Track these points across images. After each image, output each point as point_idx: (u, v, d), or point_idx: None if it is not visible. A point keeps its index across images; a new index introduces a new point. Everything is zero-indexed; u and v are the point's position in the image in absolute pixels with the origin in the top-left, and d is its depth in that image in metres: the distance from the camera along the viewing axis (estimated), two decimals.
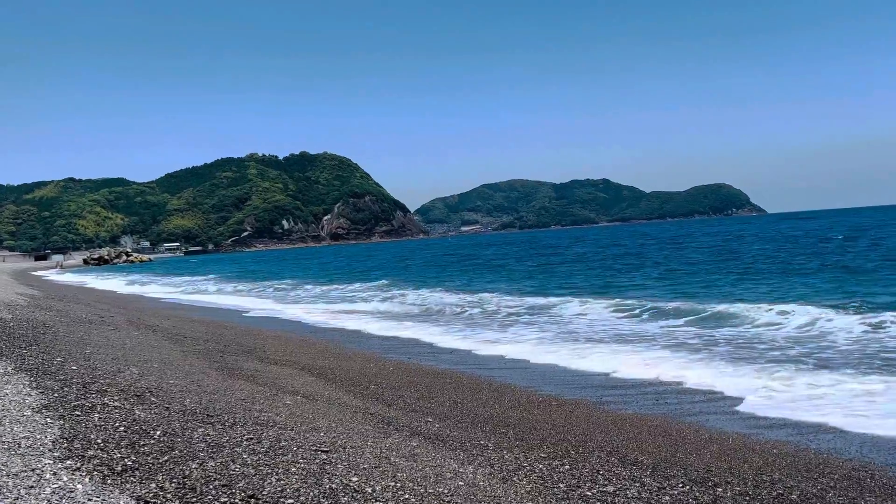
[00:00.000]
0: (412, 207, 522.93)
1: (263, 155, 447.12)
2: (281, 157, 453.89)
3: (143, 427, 7.48)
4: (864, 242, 60.58)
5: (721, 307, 24.49)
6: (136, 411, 8.23)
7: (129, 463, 6.21)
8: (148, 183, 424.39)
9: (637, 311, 25.52)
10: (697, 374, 14.62)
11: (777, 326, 20.50)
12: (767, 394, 12.63)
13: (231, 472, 6.28)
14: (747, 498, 7.40)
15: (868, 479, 8.16)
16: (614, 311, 26.22)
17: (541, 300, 31.01)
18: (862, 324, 19.34)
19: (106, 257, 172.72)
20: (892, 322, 19.03)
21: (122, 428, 7.32)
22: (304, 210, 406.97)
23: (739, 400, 12.34)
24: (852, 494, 7.63)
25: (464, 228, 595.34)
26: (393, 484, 6.70)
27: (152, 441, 6.97)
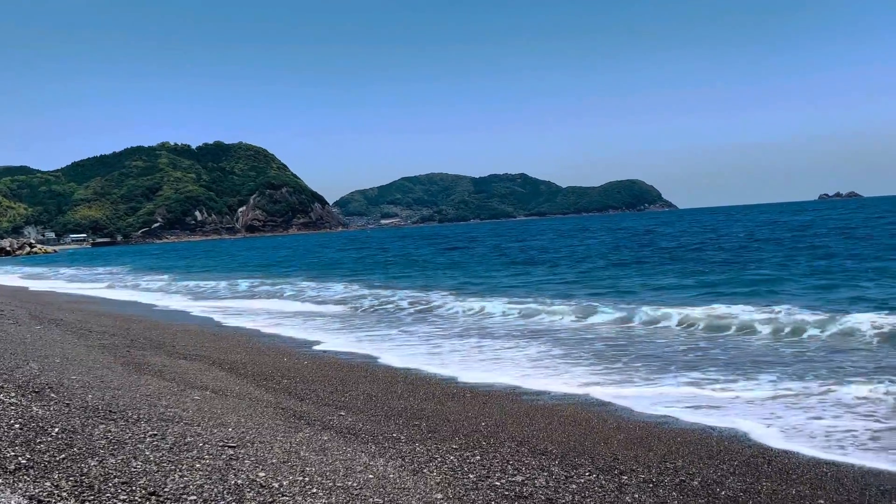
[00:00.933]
0: (331, 200, 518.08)
1: (176, 144, 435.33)
2: (194, 147, 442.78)
3: (41, 424, 7.19)
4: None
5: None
6: (34, 408, 7.91)
7: (24, 461, 5.96)
8: (53, 172, 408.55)
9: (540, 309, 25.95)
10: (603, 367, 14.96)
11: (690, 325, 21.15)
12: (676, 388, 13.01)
13: (132, 470, 6.10)
14: (651, 485, 7.60)
15: (765, 465, 8.48)
16: (516, 306, 26.57)
17: (447, 297, 31.22)
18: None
19: (7, 248, 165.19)
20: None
21: (17, 426, 7.02)
22: (219, 201, 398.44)
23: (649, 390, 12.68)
24: (750, 480, 7.92)
25: (383, 221, 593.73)
26: (301, 479, 6.62)
27: (49, 439, 6.71)
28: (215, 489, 5.90)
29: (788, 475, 8.10)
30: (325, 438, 8.88)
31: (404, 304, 28.59)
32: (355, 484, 6.78)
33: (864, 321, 17.43)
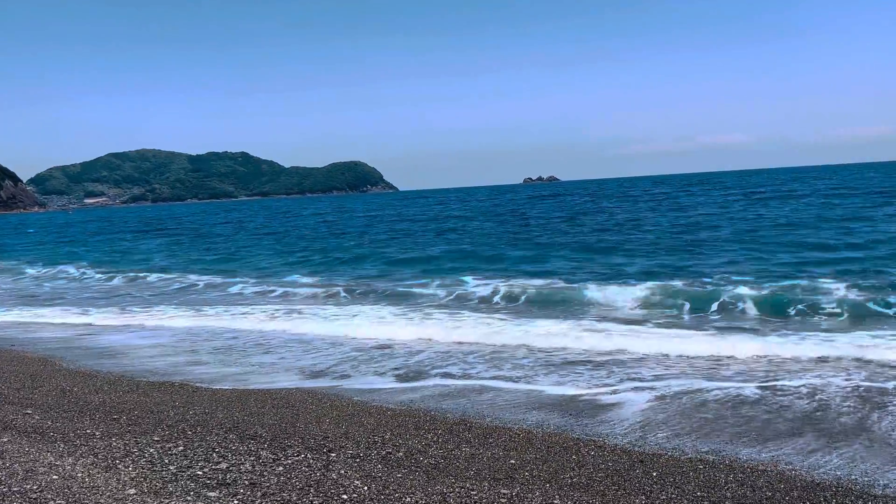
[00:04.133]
0: (24, 177, 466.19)
1: None
2: None
3: None
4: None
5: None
6: None
7: None
8: None
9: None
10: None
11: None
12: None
13: None
14: (358, 459, 7.72)
15: (466, 432, 8.96)
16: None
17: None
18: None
19: None
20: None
21: None
22: None
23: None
24: (450, 446, 8.32)
25: (88, 201, 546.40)
26: None
27: None
28: None
29: (486, 439, 8.64)
30: (5, 440, 8.00)
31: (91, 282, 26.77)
32: (35, 487, 6.15)
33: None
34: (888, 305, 16.13)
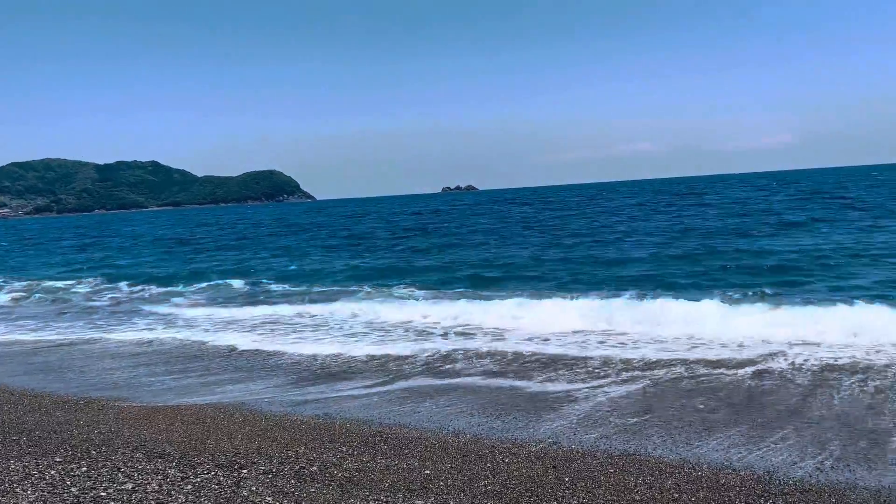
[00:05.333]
0: None
1: None
2: None
3: None
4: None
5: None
6: None
7: None
8: None
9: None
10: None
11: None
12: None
13: None
14: (270, 475, 7.58)
15: (382, 444, 8.92)
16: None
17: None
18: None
19: None
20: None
21: None
22: None
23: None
24: (366, 458, 8.27)
25: None
26: None
27: None
28: None
29: (401, 450, 8.62)
30: None
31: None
32: None
33: None
34: None
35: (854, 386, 10.66)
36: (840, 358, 12.15)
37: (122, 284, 30.74)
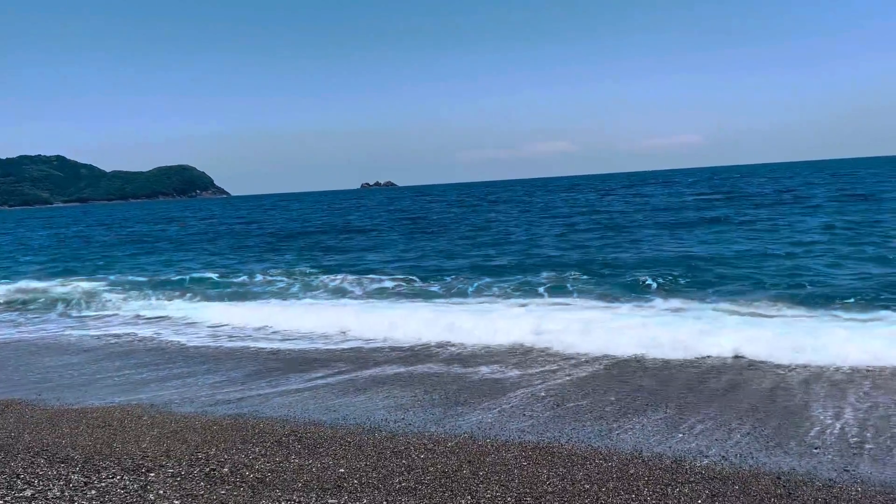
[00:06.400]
0: None
1: None
2: None
3: None
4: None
5: None
6: None
7: None
8: None
9: None
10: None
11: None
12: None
13: None
14: (179, 478, 7.39)
15: (296, 443, 8.80)
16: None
17: None
18: None
19: None
20: None
21: None
22: None
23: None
24: (279, 458, 8.15)
25: None
26: None
27: None
28: None
29: (316, 448, 8.53)
30: None
31: None
32: None
33: None
34: None
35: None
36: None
37: None
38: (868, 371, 10.91)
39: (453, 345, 14.30)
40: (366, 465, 7.88)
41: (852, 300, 15.68)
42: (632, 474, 7.42)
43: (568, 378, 11.50)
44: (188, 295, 23.56)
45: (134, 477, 7.41)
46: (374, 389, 11.39)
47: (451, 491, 7.04)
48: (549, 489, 7.05)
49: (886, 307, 14.78)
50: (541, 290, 19.80)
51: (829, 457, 7.75)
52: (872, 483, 7.03)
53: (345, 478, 7.45)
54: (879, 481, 7.07)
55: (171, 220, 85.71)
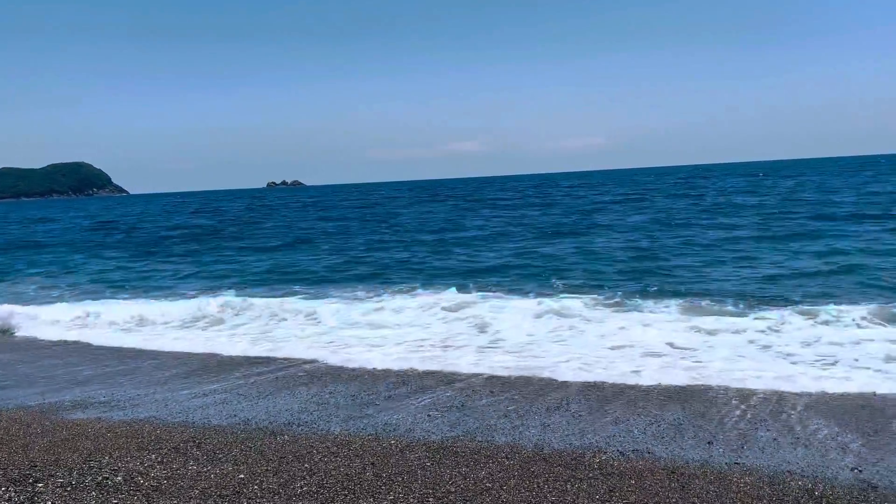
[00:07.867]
0: None
1: None
2: None
3: None
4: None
5: None
6: None
7: None
8: None
9: None
10: None
11: None
12: None
13: None
14: (69, 488, 7.09)
15: (195, 449, 8.57)
16: None
17: None
18: None
19: None
20: None
21: None
22: None
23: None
24: (176, 466, 7.92)
25: None
26: None
27: None
28: None
29: (216, 455, 8.33)
30: None
31: None
32: None
33: None
34: None
35: None
36: None
37: None
38: None
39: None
40: (267, 469, 7.75)
41: None
42: (533, 471, 7.53)
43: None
44: None
45: (20, 488, 7.06)
46: (278, 393, 11.22)
47: (354, 494, 6.98)
48: (453, 489, 7.09)
49: None
50: None
51: None
52: None
53: (245, 483, 7.30)
54: None
55: None
